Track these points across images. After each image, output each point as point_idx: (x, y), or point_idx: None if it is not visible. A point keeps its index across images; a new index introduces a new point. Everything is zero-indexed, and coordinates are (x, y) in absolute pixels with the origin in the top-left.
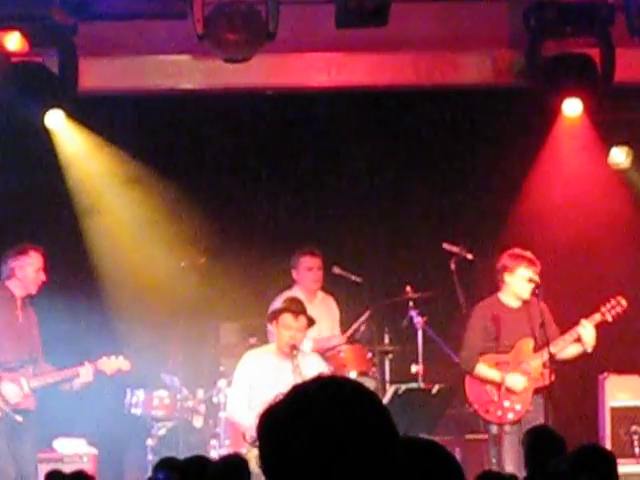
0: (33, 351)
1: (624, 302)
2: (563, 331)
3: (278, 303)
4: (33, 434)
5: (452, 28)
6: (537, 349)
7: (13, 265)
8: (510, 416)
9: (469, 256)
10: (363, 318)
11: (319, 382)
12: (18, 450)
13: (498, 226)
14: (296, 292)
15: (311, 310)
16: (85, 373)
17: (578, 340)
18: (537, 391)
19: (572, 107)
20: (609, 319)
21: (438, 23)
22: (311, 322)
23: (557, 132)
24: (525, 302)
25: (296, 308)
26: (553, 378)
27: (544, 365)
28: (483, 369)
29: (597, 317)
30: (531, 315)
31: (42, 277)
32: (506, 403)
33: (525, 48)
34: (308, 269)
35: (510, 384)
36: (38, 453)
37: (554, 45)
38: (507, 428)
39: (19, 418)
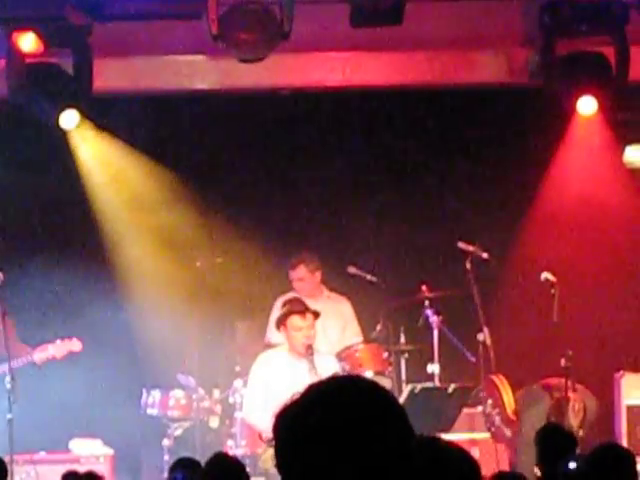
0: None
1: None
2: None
3: (277, 309)
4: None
5: (467, 27)
6: None
7: None
8: None
9: (484, 255)
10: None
11: (335, 381)
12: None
13: (514, 225)
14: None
15: (315, 306)
16: (39, 357)
17: None
18: None
19: (587, 106)
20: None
21: (453, 22)
22: (317, 315)
23: (572, 131)
24: None
25: (300, 307)
26: None
27: None
28: None
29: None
30: None
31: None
32: None
33: (540, 47)
34: (292, 281)
35: None
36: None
37: (568, 44)
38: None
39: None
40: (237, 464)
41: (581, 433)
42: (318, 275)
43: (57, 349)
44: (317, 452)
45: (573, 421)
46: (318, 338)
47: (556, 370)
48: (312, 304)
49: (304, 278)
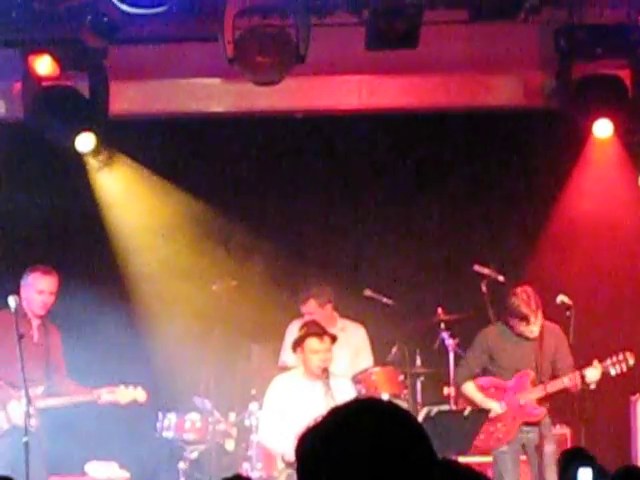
0: (49, 371)
1: (631, 360)
2: (584, 357)
3: (293, 332)
4: (39, 454)
5: (483, 50)
6: (537, 382)
7: (21, 284)
8: (491, 443)
9: (500, 278)
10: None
11: (358, 404)
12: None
13: (529, 248)
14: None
15: None
16: (104, 399)
17: (582, 381)
18: (530, 423)
19: (602, 128)
20: (612, 373)
21: (468, 45)
22: (334, 339)
23: (588, 154)
24: (544, 329)
25: (319, 330)
26: (545, 413)
27: (538, 401)
28: (469, 388)
29: (599, 368)
30: (542, 344)
31: (44, 299)
32: (490, 429)
33: (555, 70)
34: (305, 315)
35: (487, 407)
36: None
37: (584, 67)
38: (494, 452)
39: (24, 438)
40: None
41: None
42: (329, 308)
43: (123, 396)
44: (342, 474)
45: None
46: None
47: (570, 394)
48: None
49: (314, 312)
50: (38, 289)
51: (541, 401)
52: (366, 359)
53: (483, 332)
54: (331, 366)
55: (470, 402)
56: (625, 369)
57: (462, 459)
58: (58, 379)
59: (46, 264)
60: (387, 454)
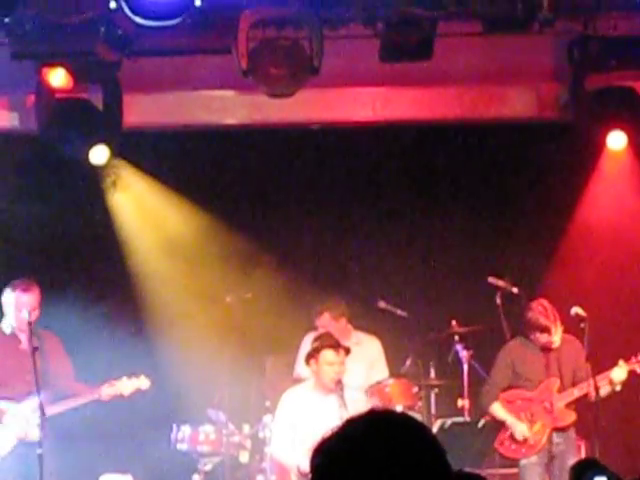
0: (50, 378)
1: None
2: (599, 369)
3: (307, 344)
4: (49, 465)
5: (496, 62)
6: (562, 389)
7: (2, 301)
8: (523, 449)
9: (515, 290)
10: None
11: (373, 416)
12: None
13: (544, 260)
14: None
15: None
16: (106, 393)
17: (610, 382)
18: (560, 429)
19: (616, 140)
20: (639, 371)
21: (482, 57)
22: (348, 352)
23: (602, 165)
24: (562, 340)
25: (334, 342)
26: (574, 418)
27: (566, 406)
28: (497, 408)
29: (625, 367)
30: (562, 354)
31: (25, 317)
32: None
33: (569, 81)
34: (319, 328)
35: (514, 430)
36: None
37: (598, 78)
38: (522, 462)
39: (39, 450)
40: None
41: None
42: (343, 321)
43: (125, 387)
44: None
45: None
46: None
47: (587, 405)
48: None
49: (328, 326)
50: (20, 307)
51: (568, 407)
52: (381, 372)
53: (505, 348)
54: (346, 379)
55: (498, 422)
56: None
57: (488, 471)
58: (66, 384)
59: (60, 277)
60: (402, 466)
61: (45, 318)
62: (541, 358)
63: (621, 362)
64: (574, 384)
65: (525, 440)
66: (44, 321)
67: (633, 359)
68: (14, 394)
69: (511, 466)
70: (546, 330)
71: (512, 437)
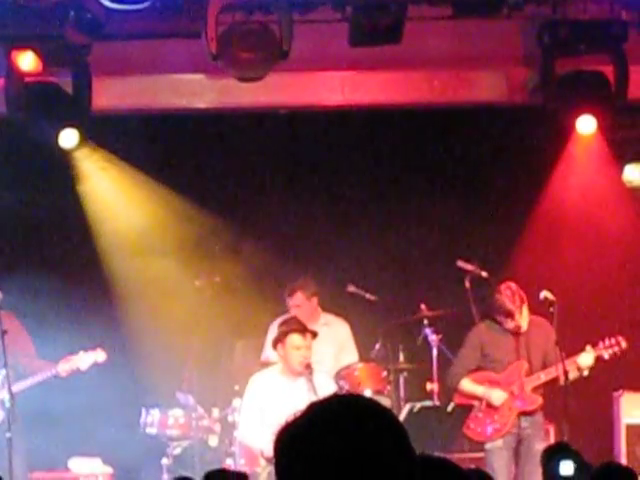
0: (11, 361)
1: (624, 343)
2: (568, 353)
3: (274, 329)
4: (17, 448)
5: (466, 46)
6: (530, 372)
7: None
8: (489, 431)
9: (483, 274)
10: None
11: (337, 400)
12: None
13: (512, 243)
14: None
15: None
16: (63, 369)
17: (577, 367)
18: (527, 413)
19: (586, 125)
20: (605, 357)
21: (452, 41)
22: (314, 335)
23: (571, 150)
24: (532, 323)
25: (301, 326)
26: (541, 402)
27: (534, 389)
28: (466, 384)
29: (592, 353)
30: (531, 337)
31: None
32: (487, 420)
33: (539, 66)
34: (292, 308)
35: (489, 398)
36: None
37: (568, 62)
38: (488, 446)
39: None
40: (239, 475)
41: None
42: (314, 301)
43: (82, 361)
44: (319, 471)
45: None
46: (312, 363)
47: (556, 389)
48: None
49: (301, 305)
50: None
51: (535, 390)
52: (350, 355)
53: (474, 330)
54: (315, 360)
55: (470, 397)
56: (618, 352)
57: (456, 455)
58: (27, 362)
59: (29, 260)
60: (363, 452)
61: (11, 300)
62: (510, 341)
63: (588, 347)
64: (543, 367)
65: (494, 411)
66: (8, 303)
67: (600, 344)
68: None
69: (480, 450)
70: (510, 315)
71: (479, 417)
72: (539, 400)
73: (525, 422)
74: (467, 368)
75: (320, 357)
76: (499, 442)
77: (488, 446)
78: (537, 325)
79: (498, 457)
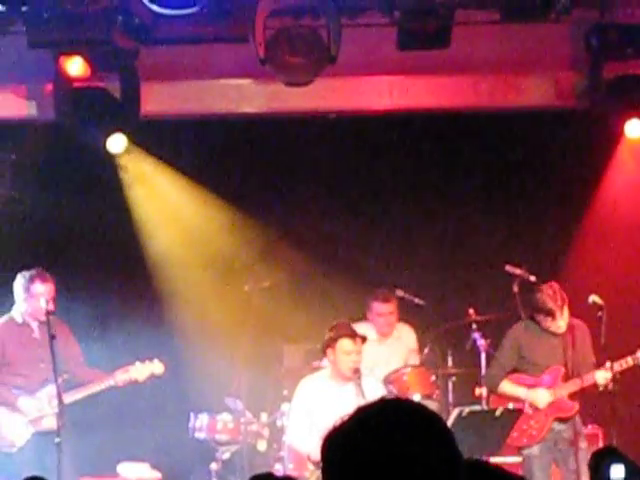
0: (64, 366)
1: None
2: (615, 358)
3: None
4: (66, 454)
5: (514, 50)
6: (567, 378)
7: (23, 292)
8: (524, 440)
9: (532, 278)
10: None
11: (384, 405)
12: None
13: (562, 248)
14: (366, 328)
15: (382, 349)
16: (121, 379)
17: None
18: (562, 420)
19: (634, 128)
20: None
21: (500, 45)
22: (364, 340)
23: (620, 154)
24: (570, 325)
25: (351, 331)
26: (577, 408)
27: (570, 396)
28: (507, 386)
29: (630, 362)
30: (572, 339)
31: (43, 306)
32: (523, 426)
33: (587, 70)
34: (379, 315)
35: (533, 398)
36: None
37: (616, 66)
38: (525, 452)
39: (57, 439)
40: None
41: None
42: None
43: (139, 372)
44: (365, 476)
45: None
46: (380, 370)
47: (601, 394)
48: (381, 347)
49: (394, 312)
50: (38, 296)
51: (573, 397)
52: (414, 360)
53: (511, 330)
54: (384, 369)
55: (511, 399)
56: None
57: (493, 459)
58: (78, 371)
59: (77, 266)
60: (409, 456)
61: (62, 307)
62: (548, 342)
63: (608, 364)
64: (579, 372)
65: (530, 417)
66: (60, 310)
67: (639, 352)
68: (29, 383)
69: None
70: (551, 314)
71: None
72: (576, 407)
73: (561, 426)
74: (505, 369)
75: (391, 363)
76: (535, 449)
77: (525, 452)
78: (575, 328)
79: (533, 462)
